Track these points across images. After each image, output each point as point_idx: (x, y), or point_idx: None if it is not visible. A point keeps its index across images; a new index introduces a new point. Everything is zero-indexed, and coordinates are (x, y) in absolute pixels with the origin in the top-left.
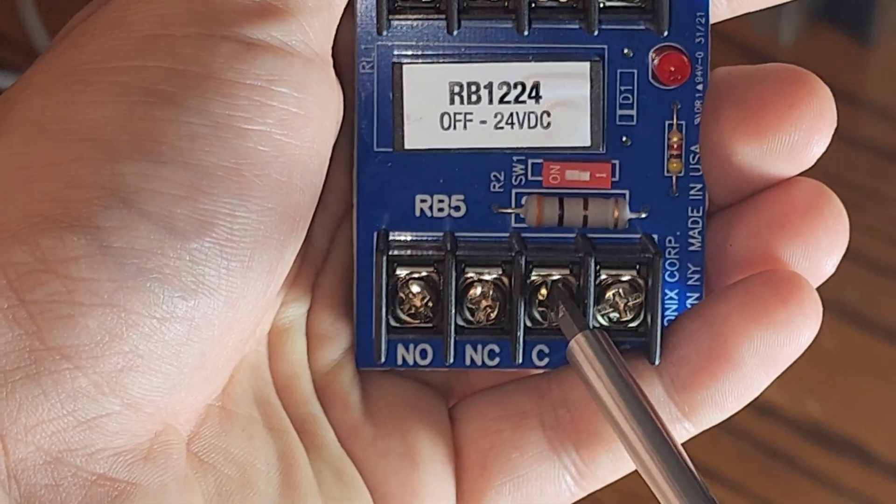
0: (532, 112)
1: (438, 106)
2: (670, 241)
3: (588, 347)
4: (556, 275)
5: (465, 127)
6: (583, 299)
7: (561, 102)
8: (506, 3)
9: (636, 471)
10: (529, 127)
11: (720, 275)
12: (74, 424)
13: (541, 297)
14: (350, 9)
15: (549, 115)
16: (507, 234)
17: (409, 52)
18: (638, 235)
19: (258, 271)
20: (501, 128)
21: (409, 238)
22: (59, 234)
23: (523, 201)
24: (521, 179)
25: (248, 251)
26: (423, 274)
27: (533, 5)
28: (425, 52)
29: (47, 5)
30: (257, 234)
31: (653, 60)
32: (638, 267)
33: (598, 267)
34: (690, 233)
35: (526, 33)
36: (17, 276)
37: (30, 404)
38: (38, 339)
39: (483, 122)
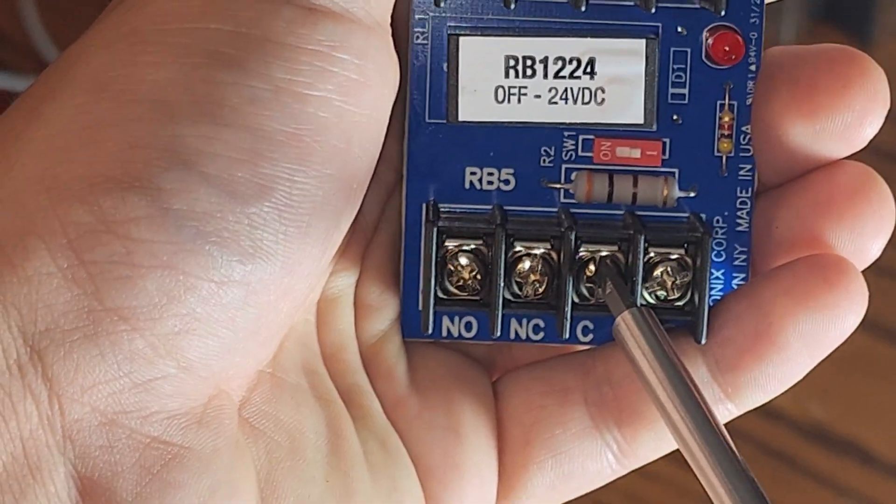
0: (587, 88)
1: (493, 79)
2: (718, 221)
3: (634, 325)
4: (604, 251)
5: (518, 101)
6: (631, 276)
7: (615, 79)
8: None
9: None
10: (583, 103)
11: (765, 256)
12: (130, 386)
13: (589, 273)
14: None
15: (603, 91)
16: (555, 209)
17: (465, 24)
18: (686, 214)
19: (315, 237)
20: (555, 103)
21: (458, 210)
22: (120, 195)
23: (573, 177)
24: (571, 155)
25: (306, 217)
26: (472, 246)
27: None
28: (481, 25)
29: (47, 5)
30: (315, 199)
31: (706, 39)
32: (686, 246)
33: (646, 244)
34: (738, 213)
35: (583, 9)
36: (77, 236)
37: (87, 365)
38: (96, 300)
39: (537, 96)
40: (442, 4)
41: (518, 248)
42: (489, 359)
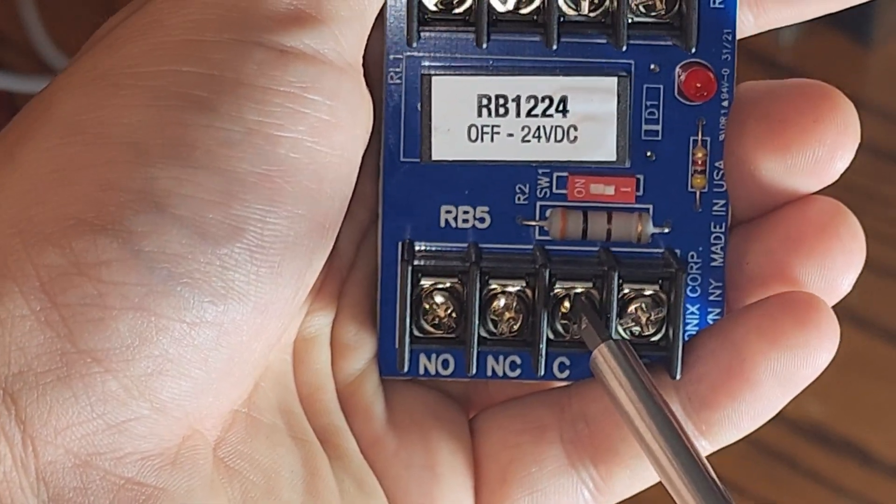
0: (559, 126)
1: (466, 118)
2: (692, 257)
3: (611, 358)
4: (579, 288)
5: (492, 139)
6: (605, 313)
7: (588, 117)
8: (535, 17)
9: (652, 486)
10: (556, 141)
11: (736, 291)
12: (104, 428)
13: (563, 310)
14: (380, 20)
15: (575, 129)
16: (530, 247)
17: (438, 64)
18: (661, 250)
19: (287, 277)
20: (528, 141)
21: (433, 248)
22: (91, 238)
23: (548, 214)
24: (545, 192)
25: (277, 257)
26: (448, 285)
27: (562, 20)
28: (454, 65)
29: (48, 6)
30: (287, 240)
31: (679, 76)
32: (661, 281)
33: (621, 281)
34: (713, 248)
35: (555, 47)
36: (49, 279)
37: (60, 407)
38: (69, 342)
39: (510, 134)
40: (415, 44)
41: (493, 286)
42: (465, 396)
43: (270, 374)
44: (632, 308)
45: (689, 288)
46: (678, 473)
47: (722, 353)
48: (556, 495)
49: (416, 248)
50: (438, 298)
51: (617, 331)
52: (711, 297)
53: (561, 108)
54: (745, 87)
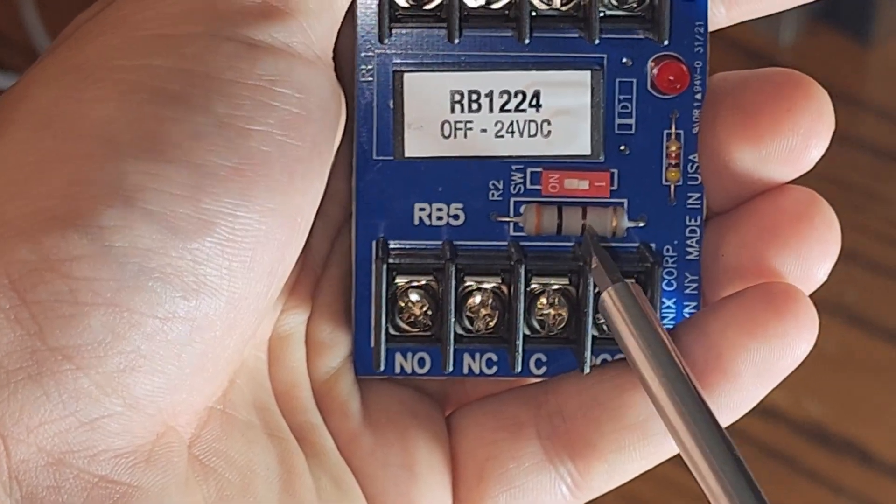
0: (532, 120)
1: (439, 114)
2: (668, 250)
3: (619, 300)
4: (555, 284)
5: (465, 135)
6: (582, 307)
7: (561, 111)
8: (506, 12)
9: (634, 479)
10: (530, 135)
11: (712, 283)
12: (76, 425)
13: (540, 306)
14: (350, 16)
15: (549, 123)
16: (505, 243)
17: (410, 61)
18: (636, 244)
19: (259, 272)
20: (502, 136)
21: (407, 247)
22: (62, 233)
23: (522, 210)
24: (519, 188)
25: (249, 251)
26: (423, 282)
27: (534, 14)
28: (426, 61)
29: (47, 5)
30: (258, 234)
31: (651, 69)
32: (636, 276)
33: None
34: (688, 242)
35: (527, 42)
36: (19, 276)
37: (32, 405)
38: (39, 340)
39: (483, 130)
40: (386, 41)
41: (468, 283)
42: (442, 393)
43: (245, 371)
44: None
45: (665, 282)
46: (683, 420)
47: (699, 347)
48: (534, 491)
49: (391, 246)
50: (414, 296)
51: (594, 325)
52: (687, 291)
53: (534, 102)
54: (718, 78)
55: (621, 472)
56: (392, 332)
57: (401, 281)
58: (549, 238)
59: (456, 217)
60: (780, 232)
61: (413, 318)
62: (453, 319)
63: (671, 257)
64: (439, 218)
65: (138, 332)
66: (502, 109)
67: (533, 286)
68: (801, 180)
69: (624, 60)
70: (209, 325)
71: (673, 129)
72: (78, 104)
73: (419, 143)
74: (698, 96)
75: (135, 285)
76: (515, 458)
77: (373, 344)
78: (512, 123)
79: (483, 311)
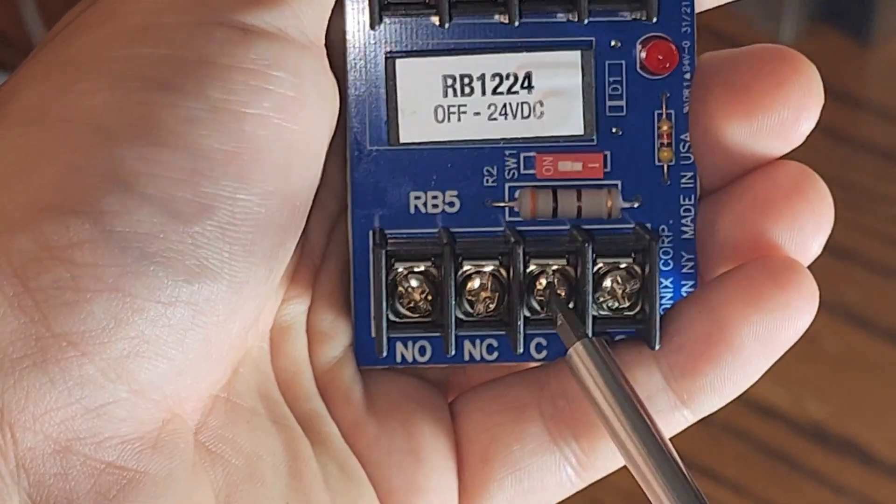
0: (525, 102)
1: (432, 99)
2: (663, 230)
3: (586, 355)
4: (553, 265)
5: (459, 119)
6: (581, 287)
7: (553, 92)
8: None
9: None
10: (523, 117)
11: (708, 260)
12: (82, 412)
13: (539, 287)
14: (340, 5)
15: (542, 104)
16: (501, 229)
17: (401, 47)
18: (631, 225)
19: (260, 256)
20: (495, 119)
21: (404, 235)
22: (62, 220)
23: (517, 195)
24: (513, 173)
25: (249, 235)
26: (422, 268)
27: None
28: (416, 47)
29: (48, 6)
30: (258, 217)
31: (640, 51)
32: (634, 254)
33: (594, 255)
34: (683, 221)
35: (517, 24)
36: (21, 264)
37: (37, 392)
38: (43, 327)
39: (477, 113)
40: (376, 28)
41: (467, 267)
42: (444, 380)
43: (249, 360)
44: (607, 282)
45: (662, 262)
46: (652, 473)
47: (701, 321)
48: (539, 472)
49: (388, 235)
50: (413, 282)
51: (593, 305)
52: (684, 270)
53: (526, 84)
54: (707, 57)
55: None
56: (393, 318)
57: (400, 267)
58: (545, 222)
59: (451, 204)
60: (775, 206)
61: (413, 303)
62: (454, 302)
63: (667, 237)
64: (435, 206)
65: (141, 317)
66: (495, 92)
67: (532, 267)
68: None
69: (612, 43)
70: (212, 309)
71: (664, 110)
72: (69, 96)
73: (413, 128)
74: (687, 76)
75: (137, 270)
76: (519, 440)
77: (373, 331)
78: (505, 106)
79: (483, 294)
